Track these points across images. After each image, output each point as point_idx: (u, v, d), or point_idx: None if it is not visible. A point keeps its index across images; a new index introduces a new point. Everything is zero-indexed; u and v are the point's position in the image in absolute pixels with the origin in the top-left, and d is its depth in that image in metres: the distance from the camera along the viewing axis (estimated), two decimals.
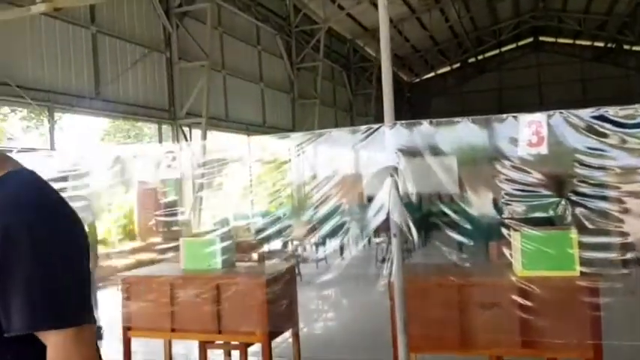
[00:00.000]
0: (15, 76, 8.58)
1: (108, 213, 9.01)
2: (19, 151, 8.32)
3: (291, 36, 18.28)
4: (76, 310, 1.30)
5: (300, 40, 18.67)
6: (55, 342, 1.26)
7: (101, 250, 7.15)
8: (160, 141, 12.68)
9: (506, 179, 3.69)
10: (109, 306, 6.12)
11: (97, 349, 1.39)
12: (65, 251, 1.31)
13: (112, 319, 5.50)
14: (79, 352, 1.28)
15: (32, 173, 1.43)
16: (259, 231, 7.43)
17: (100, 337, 6.34)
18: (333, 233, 4.71)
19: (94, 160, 5.75)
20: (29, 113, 17.10)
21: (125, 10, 11.16)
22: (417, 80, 31.36)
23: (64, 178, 5.47)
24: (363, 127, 3.91)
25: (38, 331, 1.25)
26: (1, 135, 19.81)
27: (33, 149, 9.68)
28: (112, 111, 11.11)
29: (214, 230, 6.21)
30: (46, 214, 1.32)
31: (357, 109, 24.63)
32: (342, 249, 6.59)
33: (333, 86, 22.72)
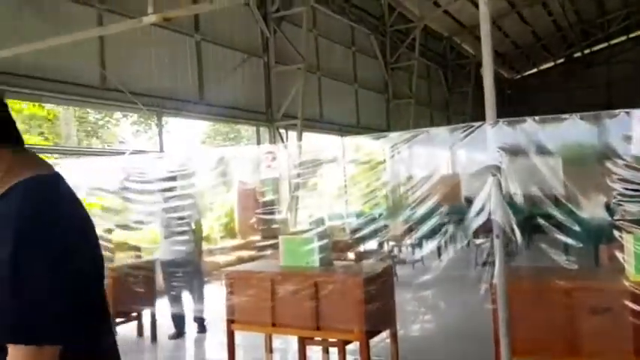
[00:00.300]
0: (127, 83, 9.21)
1: (210, 211, 9.44)
2: (130, 154, 8.94)
3: (385, 35, 18.20)
4: (41, 328, 1.23)
5: (395, 39, 18.55)
6: (11, 355, 1.22)
7: (204, 246, 7.51)
8: (258, 143, 13.10)
9: (619, 179, 3.48)
10: (214, 299, 6.42)
11: None
12: (47, 265, 1.25)
13: (217, 312, 5.77)
14: None
15: (39, 183, 1.38)
16: (354, 231, 7.48)
17: (203, 329, 6.65)
18: (430, 234, 4.65)
19: (199, 161, 6.07)
20: (139, 118, 18.27)
21: (226, 18, 11.64)
22: (518, 77, 30.12)
23: (174, 178, 5.81)
24: (463, 126, 3.83)
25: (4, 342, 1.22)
26: (113, 138, 21.30)
27: (143, 151, 10.35)
28: (214, 114, 11.64)
29: (311, 229, 6.34)
30: (37, 226, 1.27)
31: (453, 107, 24.07)
32: (439, 250, 6.49)
33: (429, 85, 22.36)
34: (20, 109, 10.36)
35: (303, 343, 4.86)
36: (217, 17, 11.31)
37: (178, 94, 10.49)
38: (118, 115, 18.92)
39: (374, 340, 4.56)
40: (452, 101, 24.09)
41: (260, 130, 13.32)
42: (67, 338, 1.26)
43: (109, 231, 6.38)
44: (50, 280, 1.25)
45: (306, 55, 12.86)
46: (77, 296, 1.29)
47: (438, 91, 23.14)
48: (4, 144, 1.41)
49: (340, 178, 7.05)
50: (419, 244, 7.35)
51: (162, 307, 6.64)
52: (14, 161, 1.40)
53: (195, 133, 19.13)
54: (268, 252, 6.30)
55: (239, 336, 5.18)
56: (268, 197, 8.17)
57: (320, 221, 7.81)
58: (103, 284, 1.50)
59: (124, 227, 6.60)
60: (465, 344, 5.65)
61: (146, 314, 6.54)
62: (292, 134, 13.25)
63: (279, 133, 13.10)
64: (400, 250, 10.67)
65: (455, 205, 7.70)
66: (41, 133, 13.30)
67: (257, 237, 8.63)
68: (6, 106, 1.45)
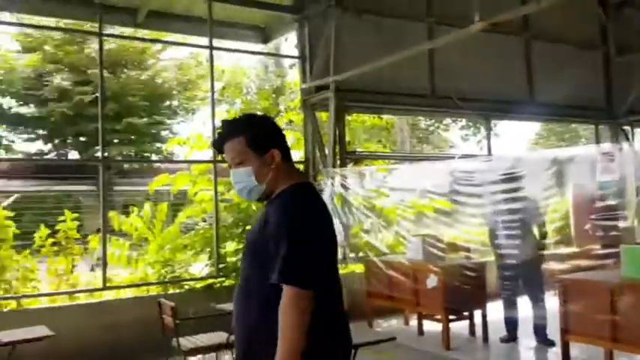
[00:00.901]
0: (455, 89, 9.52)
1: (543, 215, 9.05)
2: (459, 157, 9.23)
3: None
4: (308, 278, 1.91)
5: None
6: (287, 293, 1.90)
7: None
8: (597, 142, 11.96)
9: None
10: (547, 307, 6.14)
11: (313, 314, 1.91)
12: (311, 237, 1.97)
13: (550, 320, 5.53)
14: (296, 309, 1.89)
15: (305, 185, 2.17)
16: None
17: (544, 340, 6.23)
18: None
19: (529, 163, 5.93)
20: (467, 122, 18.66)
21: (556, 12, 11.00)
22: None
23: (511, 179, 5.78)
24: None
25: (281, 283, 1.91)
26: (444, 144, 22.21)
27: (472, 155, 10.57)
28: (545, 114, 11.12)
29: None
30: (302, 212, 2.02)
31: None
32: None
33: None
34: (364, 121, 11.73)
35: None
36: (547, 12, 10.78)
37: (507, 96, 10.37)
38: (447, 120, 19.68)
39: None
40: None
41: (600, 128, 12.16)
42: (320, 288, 1.94)
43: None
44: (314, 249, 1.97)
45: None
46: (327, 265, 2.06)
47: None
48: (283, 157, 2.14)
49: None
50: None
51: (494, 309, 6.64)
52: (286, 170, 2.14)
53: (525, 134, 18.56)
54: (608, 261, 5.73)
55: (576, 347, 4.88)
56: (607, 202, 7.41)
57: None
58: (337, 260, 2.20)
59: (453, 228, 6.84)
60: None
61: (477, 314, 6.66)
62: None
63: (624, 131, 11.72)
64: None
65: None
66: (379, 141, 14.78)
67: (595, 245, 7.91)
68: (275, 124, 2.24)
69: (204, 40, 7.98)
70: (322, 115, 8.48)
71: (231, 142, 2.13)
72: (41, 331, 4.82)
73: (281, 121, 8.69)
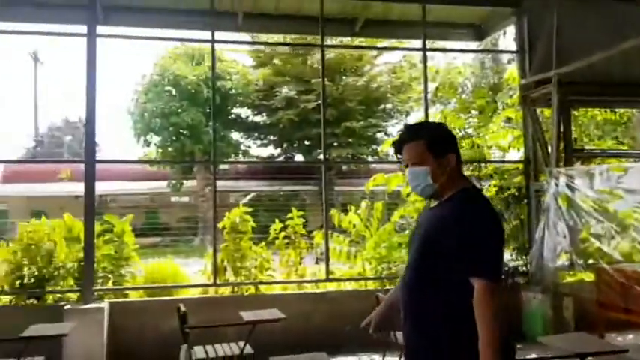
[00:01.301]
0: None
1: None
2: None
3: None
4: (496, 273, 2.20)
5: None
6: (480, 285, 2.13)
7: None
8: None
9: None
10: None
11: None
12: (493, 236, 2.23)
13: None
14: (492, 299, 2.12)
15: (475, 189, 2.43)
16: None
17: None
18: None
19: None
20: None
21: None
22: None
23: None
24: None
25: (476, 277, 2.14)
26: None
27: None
28: None
29: None
30: (484, 214, 2.27)
31: None
32: None
33: None
34: (594, 116, 10.69)
35: None
36: None
37: None
38: None
39: None
40: None
41: None
42: (501, 281, 2.23)
43: None
44: (497, 246, 2.25)
45: None
46: (501, 260, 2.28)
47: None
48: (457, 161, 2.37)
49: None
50: None
51: None
52: (457, 174, 2.39)
53: None
54: None
55: None
56: None
57: None
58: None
59: None
60: None
61: None
62: None
63: None
64: None
65: None
66: (615, 138, 13.28)
67: None
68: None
69: (417, 43, 8.12)
70: (544, 112, 7.97)
71: (411, 145, 2.38)
72: (276, 313, 5.41)
73: (498, 120, 8.39)
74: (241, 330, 5.31)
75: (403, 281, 2.42)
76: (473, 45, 9.48)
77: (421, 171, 2.34)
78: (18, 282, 6.60)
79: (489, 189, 8.18)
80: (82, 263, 6.62)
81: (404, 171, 2.51)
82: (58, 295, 6.66)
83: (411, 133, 2.43)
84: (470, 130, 8.16)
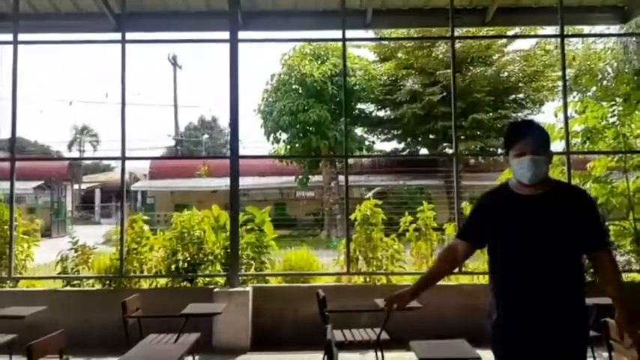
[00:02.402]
0: None
1: None
2: None
3: None
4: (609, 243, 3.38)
5: None
6: (607, 253, 2.70)
7: None
8: None
9: None
10: None
11: None
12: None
13: None
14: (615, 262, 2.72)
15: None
16: None
17: None
18: None
19: None
20: None
21: None
22: None
23: None
24: None
25: (604, 248, 2.72)
26: None
27: None
28: None
29: None
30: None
31: None
32: None
33: None
34: None
35: None
36: None
37: None
38: None
39: None
40: None
41: None
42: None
43: None
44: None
45: None
46: None
47: None
48: None
49: None
50: None
51: None
52: None
53: None
54: None
55: None
56: None
57: None
58: None
59: None
60: None
61: None
62: None
63: None
64: None
65: None
66: None
67: None
68: None
69: (552, 29, 7.80)
70: None
71: (545, 140, 2.76)
72: (411, 303, 5.52)
73: None
74: (374, 317, 5.50)
75: (531, 269, 2.60)
76: (615, 28, 8.89)
77: (543, 161, 2.69)
78: (174, 266, 7.34)
79: (635, 181, 7.66)
80: (228, 250, 7.21)
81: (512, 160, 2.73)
82: (207, 279, 7.31)
83: (538, 126, 2.82)
84: (614, 119, 7.66)
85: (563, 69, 7.61)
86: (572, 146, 7.59)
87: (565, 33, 7.59)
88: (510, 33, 17.32)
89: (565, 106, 7.45)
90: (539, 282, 2.55)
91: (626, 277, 7.45)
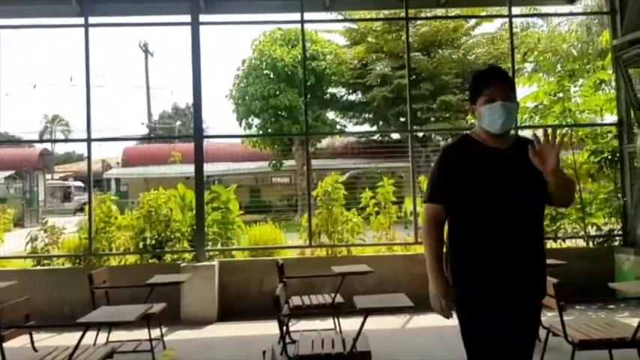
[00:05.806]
0: None
1: None
2: None
3: None
4: None
5: None
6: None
7: None
8: None
9: None
10: None
11: None
12: None
13: None
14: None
15: None
16: None
17: None
18: None
19: None
20: None
21: None
22: None
23: None
24: None
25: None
26: None
27: None
28: None
29: None
30: None
31: None
32: None
33: None
34: None
35: None
36: None
37: None
38: None
39: None
40: None
41: None
42: None
43: None
44: None
45: None
46: None
47: None
48: None
49: None
50: None
51: None
52: None
53: None
54: None
55: None
56: None
57: None
58: None
59: None
60: None
61: None
62: None
63: None
64: None
65: None
66: None
67: None
68: None
69: (506, 10, 8.14)
70: (638, 72, 7.73)
71: (511, 82, 2.63)
72: (365, 268, 5.91)
73: (590, 82, 8.23)
74: (335, 285, 5.83)
75: (505, 214, 2.51)
76: (565, 9, 9.28)
77: (515, 107, 2.59)
78: (142, 244, 7.58)
79: (582, 153, 8.10)
80: (194, 228, 7.48)
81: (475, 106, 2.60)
82: (175, 255, 7.57)
83: (506, 73, 2.66)
84: (560, 95, 8.06)
85: (512, 49, 8.00)
86: (523, 121, 8.00)
87: (514, 14, 7.94)
88: (465, 14, 17.59)
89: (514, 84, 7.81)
90: (508, 238, 2.50)
91: (573, 243, 7.94)
